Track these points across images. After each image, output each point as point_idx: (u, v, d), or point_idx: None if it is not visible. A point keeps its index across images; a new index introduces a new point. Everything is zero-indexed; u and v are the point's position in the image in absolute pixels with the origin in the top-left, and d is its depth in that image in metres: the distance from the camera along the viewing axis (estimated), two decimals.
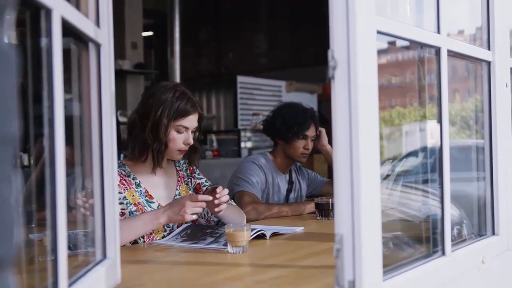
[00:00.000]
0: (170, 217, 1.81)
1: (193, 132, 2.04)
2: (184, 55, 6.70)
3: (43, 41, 0.89)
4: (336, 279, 1.02)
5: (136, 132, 1.97)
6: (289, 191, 2.80)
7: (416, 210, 1.63)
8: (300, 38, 8.34)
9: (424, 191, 1.57)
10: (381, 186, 1.07)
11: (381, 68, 1.09)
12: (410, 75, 1.63)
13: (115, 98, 1.24)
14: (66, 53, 0.94)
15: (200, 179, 2.20)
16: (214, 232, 1.94)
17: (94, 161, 1.19)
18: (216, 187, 1.91)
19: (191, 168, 2.20)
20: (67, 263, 0.90)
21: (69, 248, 0.99)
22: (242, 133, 6.99)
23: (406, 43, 1.35)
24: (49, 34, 0.88)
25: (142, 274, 1.48)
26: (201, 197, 1.81)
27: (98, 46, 1.18)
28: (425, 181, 1.53)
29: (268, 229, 1.94)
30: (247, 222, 2.28)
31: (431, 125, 1.43)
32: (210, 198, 1.83)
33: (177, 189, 2.11)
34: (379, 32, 1.08)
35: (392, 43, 1.27)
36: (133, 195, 1.97)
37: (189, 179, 2.17)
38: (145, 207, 1.97)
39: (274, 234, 1.95)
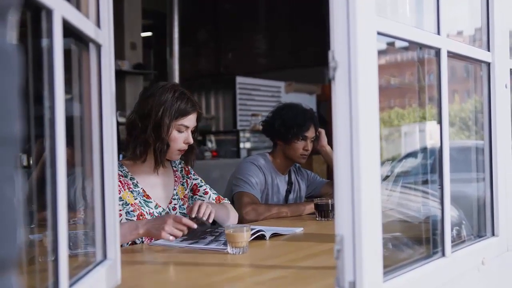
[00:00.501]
0: (149, 230, 1.78)
1: (192, 132, 2.05)
2: (183, 55, 6.68)
3: (44, 42, 0.89)
4: (336, 280, 1.02)
5: (137, 132, 1.98)
6: (288, 191, 2.79)
7: (415, 211, 1.63)
8: (300, 38, 8.34)
9: (423, 192, 1.57)
10: (381, 187, 1.07)
11: (380, 69, 1.09)
12: (409, 76, 1.63)
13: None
14: (67, 54, 0.94)
15: (196, 179, 2.21)
16: (214, 231, 1.94)
17: (94, 162, 1.19)
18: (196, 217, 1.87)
19: (187, 169, 2.20)
20: (68, 264, 0.90)
21: (69, 247, 0.98)
22: (241, 134, 6.97)
23: (405, 44, 1.35)
24: (50, 35, 0.88)
25: (142, 275, 1.48)
26: (186, 221, 1.76)
27: (98, 46, 1.18)
28: (425, 182, 1.53)
29: (267, 230, 1.95)
30: (246, 222, 2.28)
31: (430, 126, 1.43)
32: (195, 226, 1.77)
33: (174, 189, 2.12)
34: (379, 33, 1.08)
35: (391, 44, 1.27)
36: (129, 196, 1.97)
37: (185, 180, 2.18)
38: (142, 207, 1.97)
39: (274, 235, 1.95)
